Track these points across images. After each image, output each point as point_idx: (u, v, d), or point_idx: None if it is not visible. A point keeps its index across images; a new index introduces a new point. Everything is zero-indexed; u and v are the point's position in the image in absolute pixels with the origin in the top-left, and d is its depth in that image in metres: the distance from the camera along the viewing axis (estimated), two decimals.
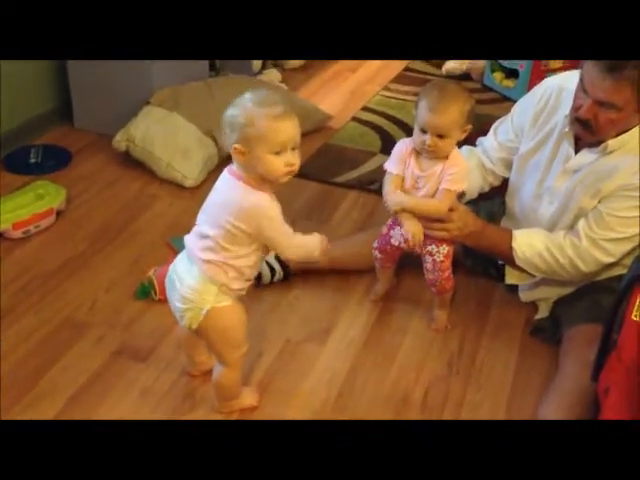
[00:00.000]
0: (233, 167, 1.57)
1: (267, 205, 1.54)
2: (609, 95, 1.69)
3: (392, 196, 1.90)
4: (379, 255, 2.08)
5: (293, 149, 1.52)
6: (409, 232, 1.88)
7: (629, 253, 1.86)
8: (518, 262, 1.96)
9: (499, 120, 2.16)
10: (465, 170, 1.87)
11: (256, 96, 1.51)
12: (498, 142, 2.12)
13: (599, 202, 1.84)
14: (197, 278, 1.60)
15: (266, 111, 1.48)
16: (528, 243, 1.94)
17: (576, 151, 1.89)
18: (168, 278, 1.68)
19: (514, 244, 1.94)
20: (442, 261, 1.98)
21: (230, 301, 1.64)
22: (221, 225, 1.55)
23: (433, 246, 1.96)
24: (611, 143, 1.81)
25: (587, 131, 1.80)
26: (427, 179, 1.86)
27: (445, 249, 1.96)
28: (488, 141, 2.16)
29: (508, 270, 2.11)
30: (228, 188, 1.56)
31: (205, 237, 1.58)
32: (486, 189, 2.19)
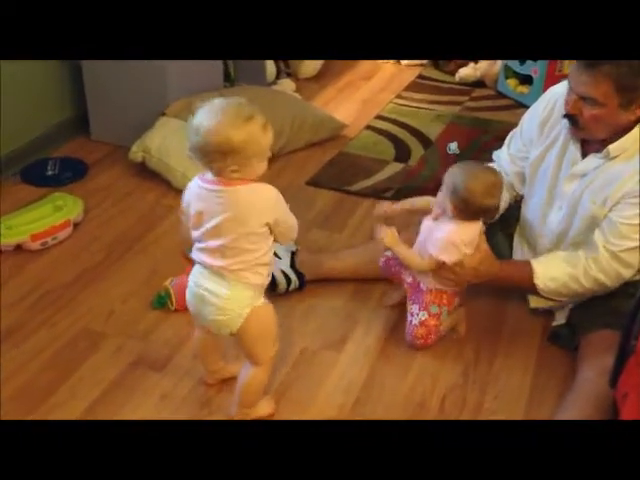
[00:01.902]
0: (208, 177, 1.56)
1: (275, 192, 1.57)
2: (588, 90, 1.73)
3: (382, 229, 1.95)
4: (386, 274, 2.12)
5: None
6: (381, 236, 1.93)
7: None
8: (543, 294, 1.95)
9: (511, 132, 2.16)
10: (447, 243, 1.85)
11: (236, 112, 1.48)
12: (510, 155, 2.12)
13: (610, 211, 1.83)
14: (231, 287, 1.60)
15: (254, 127, 1.48)
16: (550, 277, 1.91)
17: (583, 157, 1.90)
18: (193, 295, 1.66)
19: (536, 281, 1.92)
20: (416, 326, 1.97)
21: (263, 299, 1.66)
22: (243, 232, 1.55)
23: (414, 307, 1.98)
24: (612, 148, 1.81)
25: (576, 128, 1.83)
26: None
27: (425, 315, 1.95)
28: (502, 154, 2.16)
29: (531, 296, 2.09)
30: (229, 195, 1.53)
31: (225, 250, 1.57)
32: (510, 204, 2.19)
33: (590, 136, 1.85)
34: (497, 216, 2.11)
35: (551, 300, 1.99)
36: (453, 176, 1.83)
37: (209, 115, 1.48)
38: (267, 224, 1.57)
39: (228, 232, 1.56)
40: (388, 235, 1.93)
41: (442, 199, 1.86)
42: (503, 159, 2.15)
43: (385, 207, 2.09)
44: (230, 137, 1.46)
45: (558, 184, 1.97)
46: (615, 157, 1.82)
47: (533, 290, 1.96)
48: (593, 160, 1.87)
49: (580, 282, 1.89)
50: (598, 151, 1.86)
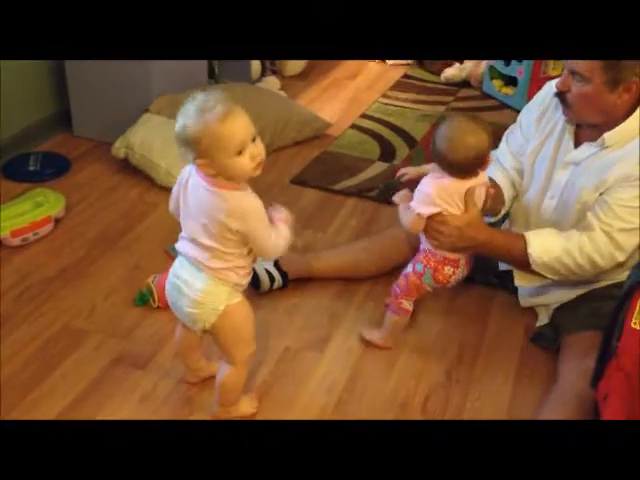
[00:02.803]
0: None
1: (253, 204, 1.53)
2: (575, 63, 1.77)
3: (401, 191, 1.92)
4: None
5: (253, 140, 1.50)
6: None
7: (632, 258, 1.87)
8: (534, 267, 1.91)
9: (509, 129, 2.16)
10: (422, 194, 1.82)
11: (195, 105, 1.47)
12: (510, 152, 2.11)
13: (602, 194, 1.83)
14: (207, 281, 1.59)
15: (210, 118, 1.44)
16: (545, 248, 1.88)
17: (577, 146, 1.91)
18: (171, 286, 1.66)
19: (530, 250, 1.89)
20: (401, 276, 1.97)
21: (240, 297, 1.65)
22: (218, 234, 1.54)
23: (410, 264, 1.96)
24: (607, 137, 1.83)
25: (566, 107, 1.86)
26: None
27: (410, 269, 1.94)
28: (501, 152, 2.15)
29: (517, 272, 2.05)
30: (209, 195, 1.53)
31: (207, 248, 1.57)
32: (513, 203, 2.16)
33: (580, 118, 1.86)
34: (501, 215, 2.11)
35: (538, 277, 1.96)
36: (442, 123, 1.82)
37: (182, 111, 1.49)
38: (236, 231, 1.53)
39: (203, 228, 1.55)
40: (399, 195, 1.91)
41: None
42: (502, 155, 2.13)
43: (410, 171, 2.05)
44: (184, 127, 1.46)
45: (553, 174, 1.98)
46: (609, 146, 1.84)
47: (523, 263, 1.92)
48: (587, 148, 1.88)
49: (574, 257, 1.86)
50: (592, 140, 1.87)
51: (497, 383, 1.97)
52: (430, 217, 1.83)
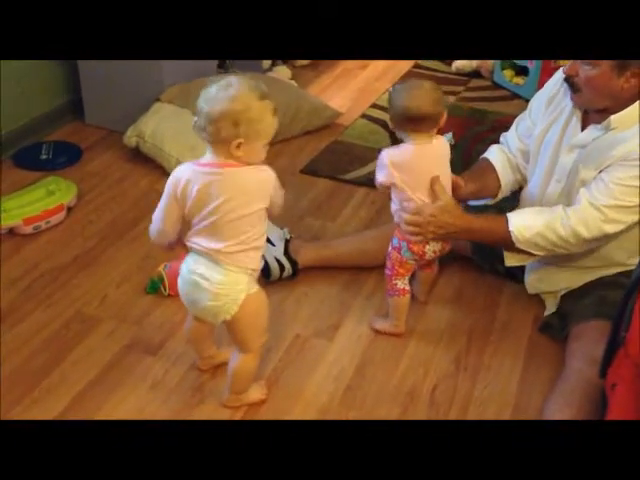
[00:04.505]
0: (210, 159, 1.56)
1: (274, 175, 1.60)
2: None
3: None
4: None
5: None
6: None
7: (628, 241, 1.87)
8: (518, 245, 1.92)
9: (520, 115, 2.17)
10: (380, 161, 1.88)
11: (253, 87, 1.51)
12: (518, 134, 2.13)
13: (601, 172, 1.83)
14: (225, 272, 1.60)
15: (267, 105, 1.51)
16: (525, 225, 1.90)
17: (583, 130, 1.91)
18: (186, 283, 1.64)
19: (511, 228, 1.90)
20: (387, 260, 2.01)
21: (257, 286, 1.67)
22: (243, 213, 1.56)
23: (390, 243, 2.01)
24: (614, 119, 1.82)
25: (574, 92, 1.85)
26: None
27: (389, 247, 1.99)
28: (509, 135, 2.17)
29: (506, 253, 2.04)
30: (234, 177, 1.55)
31: (224, 232, 1.58)
32: (516, 187, 2.18)
33: (588, 103, 1.86)
34: (499, 197, 2.13)
35: (527, 255, 1.96)
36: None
37: (228, 86, 1.50)
38: (261, 207, 1.59)
39: (228, 214, 1.56)
40: None
41: None
42: (510, 138, 2.15)
43: None
44: (250, 106, 1.49)
45: (559, 156, 1.98)
46: (614, 128, 1.83)
47: (508, 242, 1.93)
48: (593, 131, 1.88)
49: (556, 231, 1.86)
50: (598, 122, 1.86)
51: (505, 372, 1.98)
52: (404, 209, 1.88)
